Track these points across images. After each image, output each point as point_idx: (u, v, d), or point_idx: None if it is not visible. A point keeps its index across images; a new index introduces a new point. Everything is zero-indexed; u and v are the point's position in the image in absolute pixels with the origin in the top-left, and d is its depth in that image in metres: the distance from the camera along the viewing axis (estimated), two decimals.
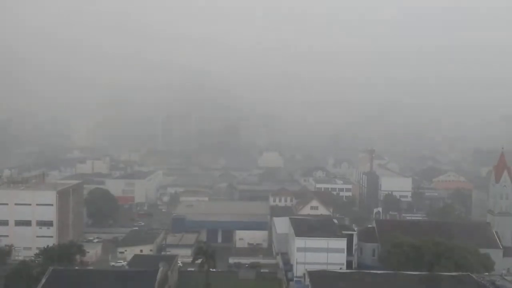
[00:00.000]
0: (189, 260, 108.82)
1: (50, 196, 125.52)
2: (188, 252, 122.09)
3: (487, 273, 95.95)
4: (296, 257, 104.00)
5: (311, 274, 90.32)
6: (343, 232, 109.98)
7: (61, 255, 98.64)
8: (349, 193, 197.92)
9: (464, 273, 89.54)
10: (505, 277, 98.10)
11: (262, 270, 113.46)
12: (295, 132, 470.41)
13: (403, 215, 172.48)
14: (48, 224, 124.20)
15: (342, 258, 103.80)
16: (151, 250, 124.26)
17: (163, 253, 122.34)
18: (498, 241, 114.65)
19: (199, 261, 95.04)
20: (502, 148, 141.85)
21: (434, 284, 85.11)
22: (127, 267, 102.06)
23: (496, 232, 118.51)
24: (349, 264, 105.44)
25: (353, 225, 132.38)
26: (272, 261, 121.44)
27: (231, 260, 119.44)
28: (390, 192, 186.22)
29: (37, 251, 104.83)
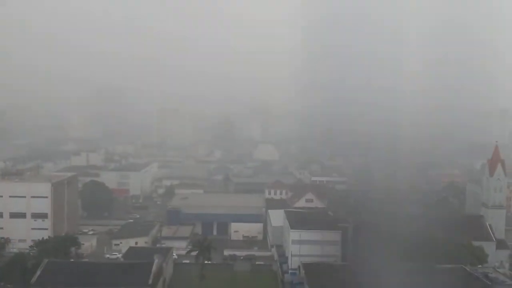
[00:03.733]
0: (184, 252, 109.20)
1: (45, 189, 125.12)
2: (183, 244, 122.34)
3: (480, 266, 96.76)
4: (291, 250, 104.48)
5: (306, 266, 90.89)
6: (338, 224, 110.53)
7: (56, 247, 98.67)
8: (344, 186, 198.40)
9: (457, 266, 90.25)
10: (498, 270, 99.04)
11: (257, 263, 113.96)
12: (291, 125, 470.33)
13: None
14: (43, 216, 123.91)
15: (336, 250, 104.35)
16: (146, 242, 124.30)
17: (158, 245, 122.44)
18: (491, 234, 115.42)
19: (194, 253, 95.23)
20: (496, 141, 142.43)
21: (428, 276, 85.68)
22: (122, 259, 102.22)
23: (490, 225, 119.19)
24: (343, 257, 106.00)
25: (348, 217, 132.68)
26: (267, 254, 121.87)
27: (226, 253, 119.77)
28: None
29: (32, 243, 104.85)
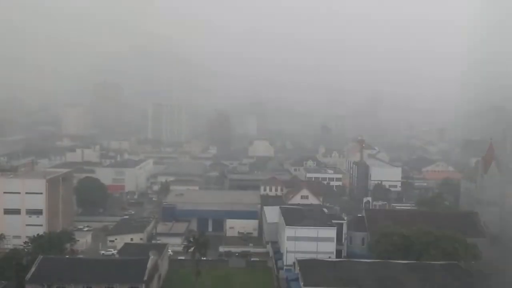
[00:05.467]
0: (180, 248, 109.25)
1: (40, 185, 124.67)
2: (179, 240, 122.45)
3: (474, 262, 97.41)
4: (286, 246, 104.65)
5: (301, 262, 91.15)
6: (333, 221, 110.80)
7: (51, 244, 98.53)
8: (339, 183, 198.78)
9: (451, 262, 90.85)
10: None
11: (252, 259, 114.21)
12: (286, 122, 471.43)
13: (393, 204, 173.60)
14: (38, 212, 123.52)
15: (331, 247, 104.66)
16: (141, 239, 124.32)
17: (153, 241, 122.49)
18: (485, 230, 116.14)
19: (191, 249, 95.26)
20: (491, 138, 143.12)
21: (422, 272, 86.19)
22: (117, 256, 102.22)
23: (484, 222, 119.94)
24: (338, 253, 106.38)
25: (343, 214, 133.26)
26: (263, 250, 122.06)
27: (222, 249, 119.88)
28: (379, 182, 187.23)
29: (26, 240, 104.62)
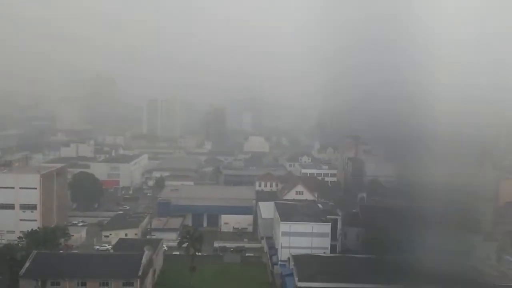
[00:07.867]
0: (174, 244, 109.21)
1: (34, 180, 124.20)
2: (173, 236, 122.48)
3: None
4: (281, 241, 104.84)
5: (296, 258, 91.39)
6: (328, 216, 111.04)
7: (46, 239, 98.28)
8: (334, 178, 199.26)
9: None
10: (486, 262, 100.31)
11: (247, 254, 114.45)
12: (281, 117, 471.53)
13: (387, 200, 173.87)
14: (32, 207, 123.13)
15: (326, 242, 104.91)
16: (136, 234, 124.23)
17: (148, 237, 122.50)
18: (479, 226, 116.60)
19: (185, 245, 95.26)
20: (486, 135, 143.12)
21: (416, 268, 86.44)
22: (112, 251, 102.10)
23: (478, 218, 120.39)
24: (333, 248, 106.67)
25: (338, 210, 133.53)
26: (257, 245, 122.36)
27: (216, 244, 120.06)
28: (374, 177, 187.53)
29: (20, 235, 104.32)
